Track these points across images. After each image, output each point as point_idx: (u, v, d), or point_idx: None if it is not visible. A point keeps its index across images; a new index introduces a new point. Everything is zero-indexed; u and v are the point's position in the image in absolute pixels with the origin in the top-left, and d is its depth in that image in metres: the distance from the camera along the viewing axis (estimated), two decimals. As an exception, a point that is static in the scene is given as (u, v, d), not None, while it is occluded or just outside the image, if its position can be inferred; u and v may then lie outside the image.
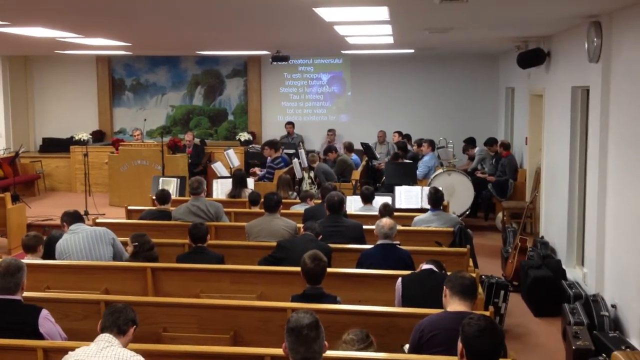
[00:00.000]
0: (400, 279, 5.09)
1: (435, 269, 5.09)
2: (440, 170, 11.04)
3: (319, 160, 12.07)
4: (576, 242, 8.06)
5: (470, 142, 13.05)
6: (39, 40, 9.47)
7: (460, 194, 10.61)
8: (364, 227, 6.86)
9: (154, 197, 9.35)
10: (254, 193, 8.35)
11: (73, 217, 6.28)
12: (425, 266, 5.15)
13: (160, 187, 9.79)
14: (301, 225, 6.63)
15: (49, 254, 6.22)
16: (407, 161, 11.93)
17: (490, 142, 12.22)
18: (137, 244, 6.03)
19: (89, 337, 3.92)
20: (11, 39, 9.28)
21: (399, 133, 14.03)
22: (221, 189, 9.91)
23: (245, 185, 9.42)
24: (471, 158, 12.89)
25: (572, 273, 7.83)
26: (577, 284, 7.35)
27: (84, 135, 14.67)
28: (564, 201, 8.23)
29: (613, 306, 6.27)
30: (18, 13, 6.68)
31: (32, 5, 6.18)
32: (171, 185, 9.95)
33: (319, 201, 8.12)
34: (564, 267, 7.84)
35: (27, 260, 5.68)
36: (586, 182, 7.44)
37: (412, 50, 12.84)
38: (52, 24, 7.63)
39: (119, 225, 7.69)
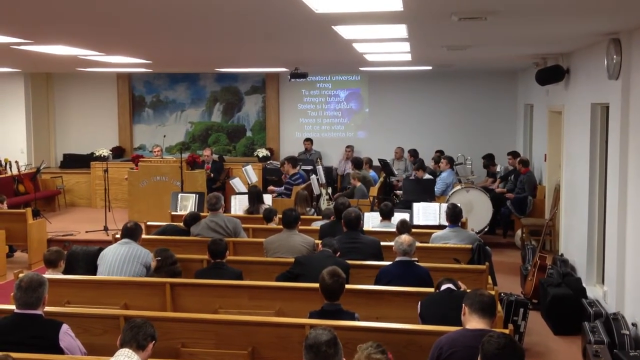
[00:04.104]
0: (420, 302, 5.03)
1: (453, 287, 5.06)
2: (459, 187, 11.00)
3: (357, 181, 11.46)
4: (596, 259, 7.97)
5: (490, 159, 12.98)
6: (61, 58, 9.61)
7: (478, 211, 10.56)
8: (382, 243, 6.84)
9: (172, 213, 9.46)
10: (267, 210, 8.36)
11: (125, 232, 6.41)
12: (444, 286, 5.11)
13: (179, 203, 9.89)
14: (319, 242, 6.64)
15: (70, 269, 6.28)
16: (427, 177, 11.90)
17: (515, 154, 12.24)
18: (160, 258, 6.12)
19: (109, 351, 3.96)
20: (34, 57, 9.43)
21: (412, 154, 13.82)
22: (239, 205, 9.95)
23: (262, 201, 9.43)
24: (493, 174, 12.80)
25: (592, 291, 7.75)
26: (597, 302, 7.27)
27: (104, 152, 14.84)
28: (583, 218, 8.16)
29: (634, 324, 6.20)
30: (41, 32, 6.80)
31: (55, 24, 6.29)
32: (189, 201, 10.02)
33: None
34: (584, 285, 7.77)
35: (48, 275, 5.73)
36: (606, 199, 7.37)
37: (430, 67, 12.86)
38: (74, 42, 7.75)
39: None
